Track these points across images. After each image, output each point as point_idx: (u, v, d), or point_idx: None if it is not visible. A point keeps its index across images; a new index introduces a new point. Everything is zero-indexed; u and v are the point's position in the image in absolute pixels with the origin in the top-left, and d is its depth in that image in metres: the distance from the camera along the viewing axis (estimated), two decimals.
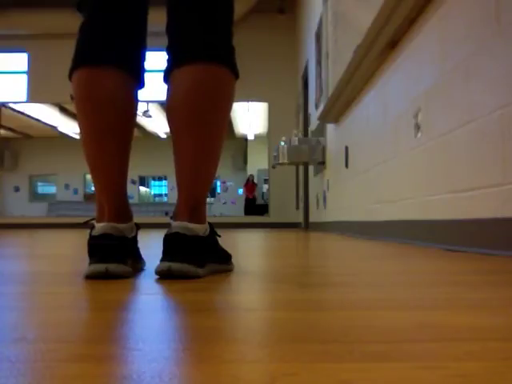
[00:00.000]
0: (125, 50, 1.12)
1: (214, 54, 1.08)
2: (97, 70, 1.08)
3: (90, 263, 1.02)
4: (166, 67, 1.10)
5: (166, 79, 1.11)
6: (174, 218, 1.07)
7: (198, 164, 1.08)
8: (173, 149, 1.09)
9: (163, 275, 1.01)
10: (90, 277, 1.00)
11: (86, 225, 1.14)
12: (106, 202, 1.09)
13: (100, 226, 1.05)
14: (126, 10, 1.12)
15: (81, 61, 1.09)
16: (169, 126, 1.09)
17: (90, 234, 1.06)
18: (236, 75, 1.12)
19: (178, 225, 1.03)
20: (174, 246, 1.02)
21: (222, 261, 1.16)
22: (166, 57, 1.11)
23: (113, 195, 1.10)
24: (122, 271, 1.02)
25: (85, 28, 1.12)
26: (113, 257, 1.02)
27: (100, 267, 0.99)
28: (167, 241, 1.03)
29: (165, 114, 1.12)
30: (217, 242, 1.15)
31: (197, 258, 1.03)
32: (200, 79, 1.06)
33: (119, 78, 1.10)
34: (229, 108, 1.12)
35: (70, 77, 1.11)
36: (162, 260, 1.02)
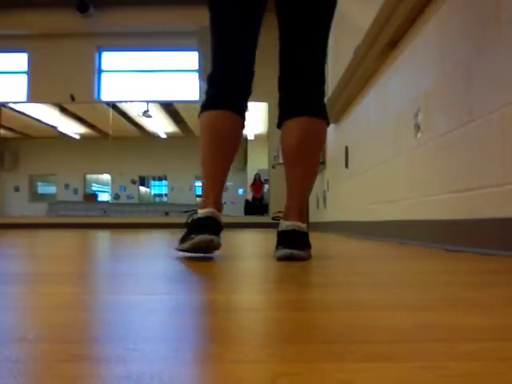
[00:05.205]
0: (240, 99, 1.67)
1: (317, 112, 1.62)
2: (220, 112, 1.63)
3: (194, 236, 1.45)
4: (279, 117, 1.65)
5: (279, 126, 1.66)
6: (284, 218, 1.57)
7: (305, 183, 1.63)
8: (285, 174, 1.64)
9: (286, 259, 1.41)
10: (197, 246, 1.45)
11: (187, 213, 1.65)
12: (211, 196, 1.61)
13: (204, 211, 1.54)
14: (242, 71, 1.68)
15: (210, 105, 1.64)
16: (283, 159, 1.64)
17: (193, 217, 1.55)
18: (328, 124, 1.65)
19: (292, 224, 1.52)
20: (293, 239, 1.48)
21: (310, 248, 1.57)
22: (278, 108, 1.66)
23: (217, 193, 1.64)
24: (218, 243, 1.48)
25: (213, 80, 1.67)
26: (213, 231, 1.48)
27: (206, 237, 1.45)
28: (287, 235, 1.49)
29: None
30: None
31: (305, 246, 1.50)
32: (307, 129, 1.59)
33: (234, 120, 1.64)
34: (323, 146, 1.67)
35: (199, 114, 1.66)
36: (283, 248, 1.45)
